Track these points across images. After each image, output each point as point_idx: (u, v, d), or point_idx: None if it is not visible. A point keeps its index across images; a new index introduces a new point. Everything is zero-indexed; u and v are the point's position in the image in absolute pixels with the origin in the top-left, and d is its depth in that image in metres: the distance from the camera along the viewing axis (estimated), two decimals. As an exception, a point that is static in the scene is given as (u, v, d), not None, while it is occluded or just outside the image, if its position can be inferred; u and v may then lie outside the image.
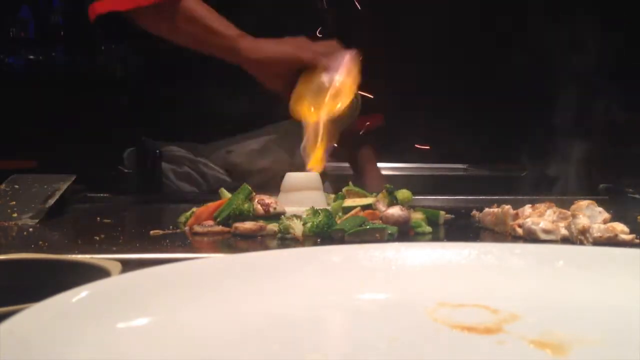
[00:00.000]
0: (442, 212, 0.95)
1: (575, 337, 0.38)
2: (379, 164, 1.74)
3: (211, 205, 0.91)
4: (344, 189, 0.98)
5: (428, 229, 0.88)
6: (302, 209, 0.87)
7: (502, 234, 0.87)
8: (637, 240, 0.77)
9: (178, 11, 1.19)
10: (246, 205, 0.87)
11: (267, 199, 0.89)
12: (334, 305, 0.45)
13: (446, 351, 0.37)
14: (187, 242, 0.81)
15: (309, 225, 0.81)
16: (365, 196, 0.94)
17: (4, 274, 0.53)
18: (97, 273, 0.49)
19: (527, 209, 0.87)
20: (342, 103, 1.09)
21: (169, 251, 0.74)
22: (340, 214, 0.89)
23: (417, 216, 0.90)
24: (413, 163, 2.49)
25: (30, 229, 0.89)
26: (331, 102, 1.08)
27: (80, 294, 0.37)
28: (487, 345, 0.37)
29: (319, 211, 0.83)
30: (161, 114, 1.44)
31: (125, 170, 1.41)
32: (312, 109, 1.09)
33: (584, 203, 0.83)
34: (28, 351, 0.30)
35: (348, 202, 0.92)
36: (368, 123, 1.57)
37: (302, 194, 0.96)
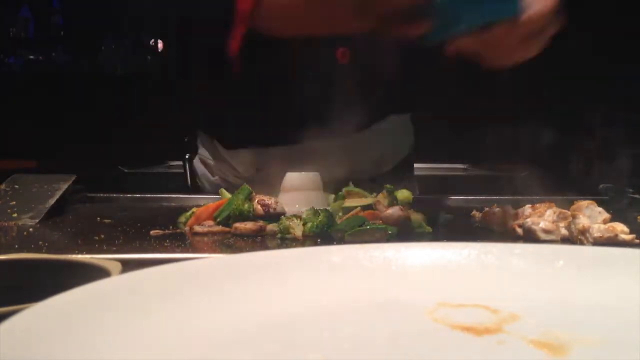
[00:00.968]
0: (442, 212, 0.95)
1: (575, 337, 0.38)
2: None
3: (211, 205, 0.91)
4: (344, 189, 0.98)
5: (428, 229, 0.88)
6: (302, 209, 0.87)
7: (502, 234, 0.87)
8: (637, 240, 0.77)
9: None
10: (246, 206, 0.87)
11: (267, 199, 0.89)
12: (334, 305, 0.45)
13: (446, 351, 0.37)
14: (187, 242, 0.81)
15: (309, 225, 0.81)
16: (365, 196, 0.94)
17: (4, 274, 0.53)
18: (97, 273, 0.49)
19: (527, 209, 0.87)
20: None
21: (169, 251, 0.74)
22: (340, 214, 0.89)
23: (417, 216, 0.90)
24: (414, 163, 2.48)
25: (30, 229, 0.89)
26: None
27: (80, 294, 0.37)
28: (487, 345, 0.37)
29: (319, 211, 0.83)
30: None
31: (126, 171, 1.40)
32: None
33: (584, 203, 0.83)
34: (28, 351, 0.30)
35: (348, 202, 0.92)
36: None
37: (302, 194, 0.96)
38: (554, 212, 0.85)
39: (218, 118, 1.33)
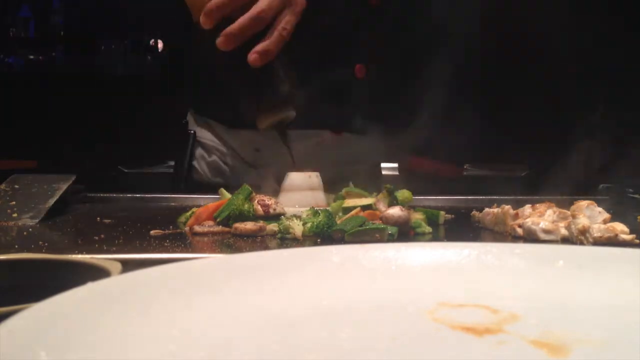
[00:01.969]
0: (442, 212, 0.95)
1: (575, 337, 0.38)
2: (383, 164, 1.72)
3: (211, 205, 0.91)
4: (343, 189, 0.98)
5: (428, 229, 0.88)
6: (302, 209, 0.87)
7: (502, 234, 0.87)
8: (637, 241, 0.77)
9: None
10: (246, 206, 0.87)
11: (268, 200, 0.89)
12: (334, 305, 0.45)
13: (446, 351, 0.37)
14: (187, 242, 0.81)
15: (309, 225, 0.81)
16: (365, 196, 0.94)
17: (4, 274, 0.53)
18: (97, 273, 0.49)
19: (527, 209, 0.87)
20: None
21: (169, 251, 0.74)
22: (340, 214, 0.89)
23: (417, 216, 0.90)
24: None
25: (30, 229, 0.89)
26: None
27: (80, 294, 0.37)
28: (487, 345, 0.37)
29: (319, 211, 0.83)
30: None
31: (126, 171, 1.40)
32: None
33: (584, 203, 0.83)
34: (28, 351, 0.30)
35: (348, 202, 0.92)
36: None
37: (302, 194, 0.97)
38: (554, 212, 0.85)
39: (216, 98, 1.35)
